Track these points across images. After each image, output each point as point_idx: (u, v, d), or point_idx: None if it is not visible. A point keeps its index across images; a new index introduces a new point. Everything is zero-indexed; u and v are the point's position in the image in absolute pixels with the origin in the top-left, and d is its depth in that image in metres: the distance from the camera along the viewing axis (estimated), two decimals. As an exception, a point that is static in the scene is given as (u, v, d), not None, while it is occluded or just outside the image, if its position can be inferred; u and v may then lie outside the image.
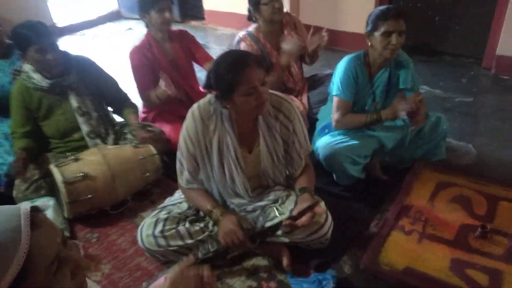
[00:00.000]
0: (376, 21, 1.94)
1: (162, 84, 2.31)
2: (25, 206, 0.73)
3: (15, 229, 0.69)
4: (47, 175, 2.07)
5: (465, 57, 3.74)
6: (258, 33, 2.58)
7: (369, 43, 2.02)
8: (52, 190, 2.08)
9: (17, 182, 2.07)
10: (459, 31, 3.67)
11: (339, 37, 4.17)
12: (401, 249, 1.67)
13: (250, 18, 2.62)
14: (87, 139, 2.22)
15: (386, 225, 1.77)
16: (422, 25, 3.81)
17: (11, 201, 2.06)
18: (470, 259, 1.60)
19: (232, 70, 1.46)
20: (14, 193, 2.05)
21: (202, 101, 1.67)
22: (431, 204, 1.88)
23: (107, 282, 1.76)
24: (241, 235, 1.55)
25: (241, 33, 2.62)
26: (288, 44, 2.46)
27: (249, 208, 1.74)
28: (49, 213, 1.97)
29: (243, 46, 2.58)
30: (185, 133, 1.67)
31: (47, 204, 2.00)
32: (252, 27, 2.62)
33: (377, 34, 1.94)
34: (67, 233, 1.98)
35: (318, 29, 2.52)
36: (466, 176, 2.05)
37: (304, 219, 1.51)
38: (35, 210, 0.75)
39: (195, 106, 1.67)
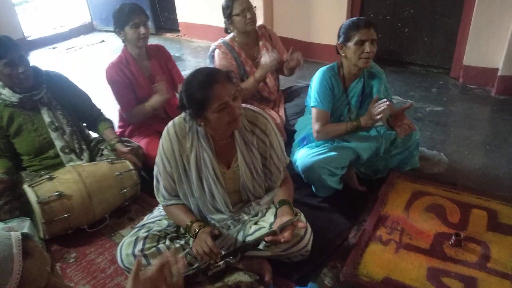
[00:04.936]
0: (349, 31, 2.00)
1: (160, 89, 2.34)
2: (16, 234, 0.72)
3: (6, 258, 0.68)
4: (21, 195, 2.01)
5: (434, 68, 3.88)
6: (233, 43, 2.62)
7: (343, 54, 2.07)
8: (26, 210, 2.02)
9: (-11, 203, 2.01)
10: (427, 42, 3.81)
11: (312, 49, 4.26)
12: (379, 259, 1.70)
13: (226, 30, 2.66)
14: (62, 154, 2.18)
15: (364, 236, 1.80)
16: (391, 36, 3.94)
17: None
18: (446, 267, 1.64)
19: (202, 88, 1.47)
20: (-14, 214, 1.99)
21: (177, 119, 1.67)
22: (407, 214, 1.93)
23: (86, 303, 1.72)
24: (211, 243, 1.52)
25: (216, 42, 2.65)
26: (266, 58, 2.50)
27: (230, 223, 1.74)
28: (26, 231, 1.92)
29: (217, 53, 2.61)
30: (161, 151, 1.66)
31: (21, 225, 1.95)
32: (228, 37, 2.65)
33: (350, 44, 2.00)
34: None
35: (294, 49, 2.58)
36: (439, 185, 2.11)
37: (286, 235, 1.52)
38: (26, 238, 0.74)
39: (170, 123, 1.67)
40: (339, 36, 2.07)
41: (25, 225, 1.96)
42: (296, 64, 2.56)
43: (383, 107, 1.91)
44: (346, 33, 2.01)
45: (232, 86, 1.51)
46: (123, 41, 2.40)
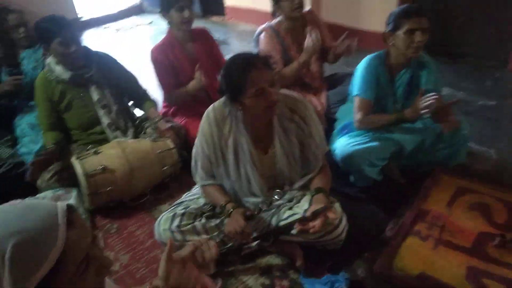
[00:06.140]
0: (399, 19, 1.92)
1: (196, 76, 2.36)
2: (62, 204, 0.76)
3: (52, 227, 0.72)
4: (70, 166, 2.12)
5: (488, 60, 3.64)
6: (279, 27, 2.59)
7: (391, 43, 2.00)
8: (74, 181, 2.13)
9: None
10: (483, 32, 3.58)
11: (360, 36, 4.10)
12: (416, 254, 1.65)
13: (273, 13, 2.63)
14: (108, 131, 2.27)
15: (402, 230, 1.76)
16: (445, 26, 3.74)
17: (35, 189, 2.12)
18: (487, 269, 1.57)
19: (240, 73, 1.48)
20: (39, 181, 2.11)
21: (217, 103, 1.69)
22: (449, 210, 1.86)
23: (125, 272, 1.81)
24: (242, 223, 1.55)
25: (263, 26, 2.63)
26: (308, 41, 2.46)
27: (264, 207, 1.75)
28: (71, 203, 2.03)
29: (263, 37, 2.59)
30: (200, 134, 1.70)
31: (69, 194, 2.06)
32: (274, 21, 2.63)
33: (400, 32, 1.92)
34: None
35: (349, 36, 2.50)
36: (486, 183, 2.01)
37: (316, 225, 1.52)
38: (70, 209, 0.78)
39: (210, 108, 1.70)
40: (387, 24, 1.99)
41: (72, 195, 2.07)
42: (346, 51, 2.49)
43: (429, 101, 1.84)
44: (396, 21, 1.93)
45: (269, 71, 1.51)
46: (169, 23, 2.45)
